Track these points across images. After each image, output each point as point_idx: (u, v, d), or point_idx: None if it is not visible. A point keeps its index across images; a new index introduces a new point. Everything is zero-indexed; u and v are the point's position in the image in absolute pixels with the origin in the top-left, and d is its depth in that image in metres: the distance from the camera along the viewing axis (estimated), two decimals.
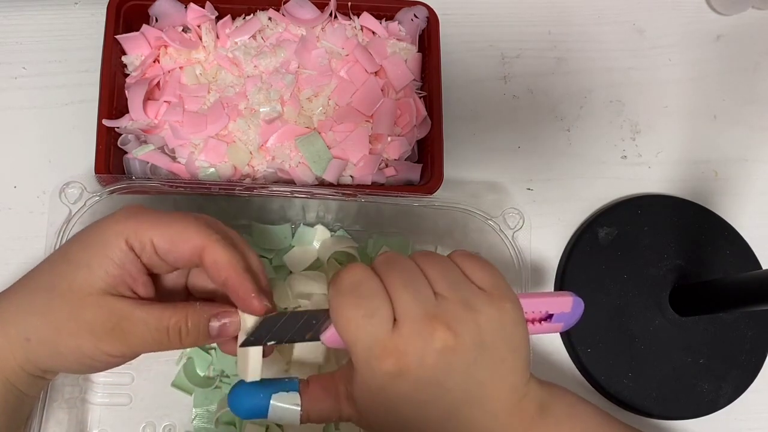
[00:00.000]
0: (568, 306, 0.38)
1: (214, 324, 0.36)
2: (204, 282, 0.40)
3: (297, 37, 0.55)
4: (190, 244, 0.36)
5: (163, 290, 0.40)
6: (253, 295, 0.36)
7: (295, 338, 0.36)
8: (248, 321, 0.37)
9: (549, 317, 0.38)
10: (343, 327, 0.34)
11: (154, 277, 0.38)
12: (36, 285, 0.36)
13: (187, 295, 0.41)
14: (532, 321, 0.38)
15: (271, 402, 0.36)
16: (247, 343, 0.36)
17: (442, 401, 0.33)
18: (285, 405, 0.36)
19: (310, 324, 0.36)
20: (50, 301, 0.35)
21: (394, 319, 0.33)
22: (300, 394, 0.37)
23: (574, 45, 0.63)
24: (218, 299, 0.40)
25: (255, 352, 0.36)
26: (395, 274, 0.34)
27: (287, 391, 0.37)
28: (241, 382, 0.37)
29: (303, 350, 0.49)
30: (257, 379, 0.37)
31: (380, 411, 0.35)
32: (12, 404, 0.37)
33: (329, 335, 0.35)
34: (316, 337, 0.36)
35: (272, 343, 0.36)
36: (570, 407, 0.37)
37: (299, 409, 0.37)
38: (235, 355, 0.38)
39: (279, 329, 0.36)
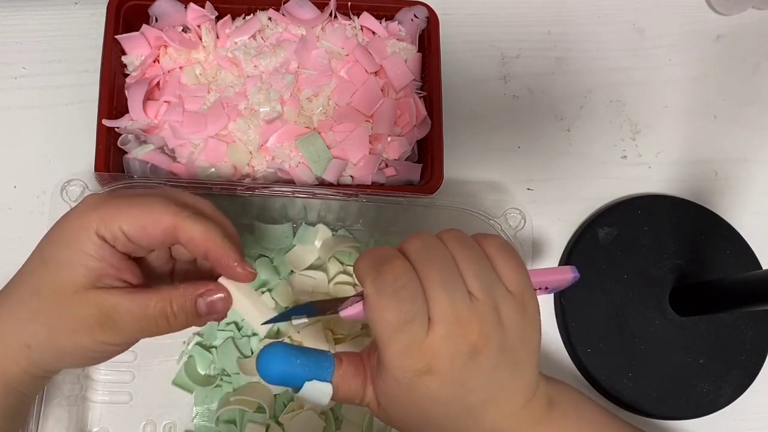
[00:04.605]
0: (567, 281, 0.39)
1: (202, 303, 0.36)
2: (186, 252, 0.40)
3: (297, 37, 0.55)
4: (160, 225, 0.35)
5: (151, 270, 0.39)
6: (236, 263, 0.36)
7: (314, 315, 0.36)
8: (235, 293, 0.36)
9: (545, 288, 0.39)
10: (380, 327, 0.33)
11: (139, 259, 0.38)
12: (23, 290, 0.36)
13: (174, 268, 0.41)
14: None
15: (306, 382, 0.35)
16: (271, 321, 0.36)
17: (464, 400, 0.34)
18: (319, 383, 0.35)
19: (330, 306, 0.36)
20: (39, 305, 0.35)
21: (429, 317, 0.33)
22: (334, 368, 0.36)
23: (574, 45, 0.64)
24: (203, 270, 0.40)
25: (250, 296, 0.36)
26: (433, 272, 0.33)
27: (323, 364, 0.35)
28: (275, 343, 0.35)
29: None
30: (271, 316, 0.36)
31: (403, 406, 0.35)
32: (13, 407, 0.37)
33: (349, 313, 0.35)
34: (334, 312, 0.36)
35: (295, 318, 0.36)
36: (575, 402, 0.37)
37: (331, 388, 0.35)
38: (218, 320, 0.38)
39: (298, 312, 0.36)
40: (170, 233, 0.36)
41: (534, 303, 0.35)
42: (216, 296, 0.36)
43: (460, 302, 0.33)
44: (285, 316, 0.36)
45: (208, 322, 0.39)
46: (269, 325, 0.37)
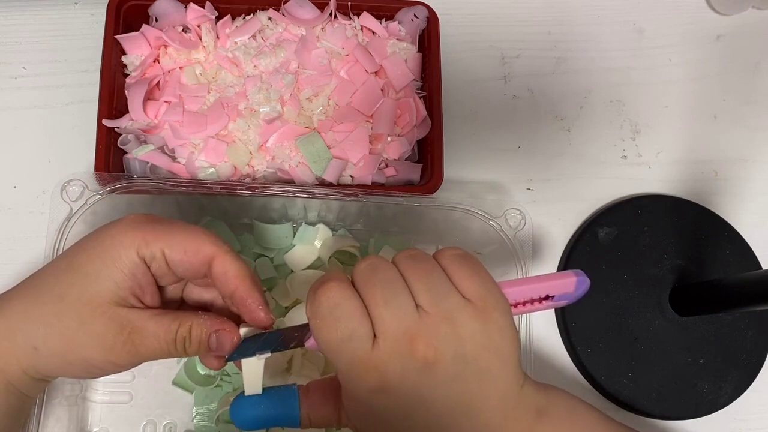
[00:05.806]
0: (571, 287, 0.37)
1: (214, 339, 0.37)
2: (198, 294, 0.40)
3: (297, 37, 0.55)
4: (201, 254, 0.36)
5: (163, 300, 0.39)
6: (260, 307, 0.37)
7: (279, 349, 0.37)
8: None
9: (551, 297, 0.37)
10: (324, 348, 0.34)
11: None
12: (43, 293, 0.36)
13: (181, 304, 0.41)
14: (532, 302, 0.37)
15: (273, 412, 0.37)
16: (232, 359, 0.37)
17: (427, 414, 0.33)
18: (285, 414, 0.37)
19: (293, 337, 0.36)
20: (59, 312, 0.35)
21: (375, 335, 0.33)
22: (300, 401, 0.37)
23: (574, 45, 0.64)
24: (212, 310, 0.40)
25: (255, 365, 0.37)
26: (375, 290, 0.33)
27: (287, 399, 0.37)
28: (242, 395, 0.37)
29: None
30: (258, 392, 0.37)
31: (369, 422, 0.35)
32: (14, 406, 0.37)
33: (312, 343, 0.36)
34: (300, 345, 0.36)
35: (260, 354, 0.37)
36: (569, 411, 0.36)
37: (299, 417, 0.37)
38: (215, 369, 0.39)
39: (263, 344, 0.36)
40: (206, 263, 0.36)
41: (501, 307, 0.34)
42: (228, 338, 0.37)
43: (405, 317, 0.33)
44: (250, 351, 0.36)
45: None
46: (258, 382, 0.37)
